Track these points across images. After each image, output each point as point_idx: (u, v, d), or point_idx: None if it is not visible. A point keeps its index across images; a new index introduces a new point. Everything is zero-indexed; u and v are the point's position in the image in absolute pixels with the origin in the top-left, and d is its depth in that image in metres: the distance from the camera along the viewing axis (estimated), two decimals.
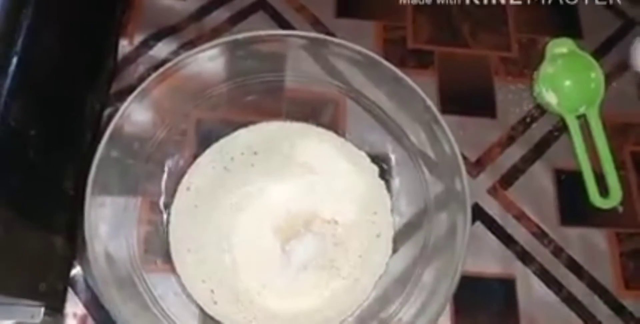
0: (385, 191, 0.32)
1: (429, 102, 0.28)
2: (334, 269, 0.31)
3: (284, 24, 0.39)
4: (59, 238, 0.33)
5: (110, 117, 0.34)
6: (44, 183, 0.32)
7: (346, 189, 0.32)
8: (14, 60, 0.28)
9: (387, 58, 0.30)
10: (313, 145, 0.33)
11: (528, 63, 0.38)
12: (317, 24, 0.39)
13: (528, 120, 0.37)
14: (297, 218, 0.31)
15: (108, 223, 0.28)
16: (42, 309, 0.33)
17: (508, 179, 0.35)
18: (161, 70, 0.29)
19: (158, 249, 0.30)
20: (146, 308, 0.28)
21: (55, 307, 0.32)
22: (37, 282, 0.31)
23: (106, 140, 0.28)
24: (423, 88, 0.37)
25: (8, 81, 0.27)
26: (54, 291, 0.32)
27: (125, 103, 0.28)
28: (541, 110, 0.37)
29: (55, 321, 0.32)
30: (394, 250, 0.31)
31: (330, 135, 0.33)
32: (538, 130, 0.36)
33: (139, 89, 0.29)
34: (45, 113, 0.31)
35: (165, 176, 0.32)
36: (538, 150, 0.36)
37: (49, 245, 0.32)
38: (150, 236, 0.30)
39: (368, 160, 0.33)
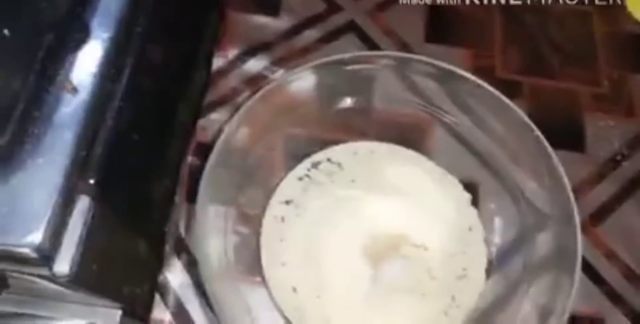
0: (477, 220, 0.32)
1: (538, 133, 0.28)
2: (423, 295, 0.30)
3: (372, 47, 0.39)
4: (143, 244, 0.33)
5: (203, 128, 0.35)
6: (137, 188, 0.32)
7: (437, 215, 0.32)
8: (128, 66, 0.29)
9: None
10: (402, 167, 0.33)
11: (618, 100, 0.38)
12: (405, 49, 0.39)
13: (619, 157, 0.36)
14: (387, 241, 0.31)
15: (209, 232, 0.28)
16: (120, 312, 0.33)
17: (598, 217, 0.34)
18: (263, 91, 0.30)
19: (249, 261, 0.30)
20: (242, 315, 0.28)
21: (132, 312, 0.33)
22: (122, 285, 0.31)
23: (215, 157, 0.28)
24: None
25: (123, 85, 0.28)
26: (135, 295, 0.32)
27: (232, 123, 0.29)
28: (632, 147, 0.37)
29: None
30: (487, 279, 0.30)
31: (419, 158, 0.33)
32: (629, 169, 0.36)
33: (243, 109, 0.29)
34: (145, 119, 0.31)
35: (258, 189, 0.32)
36: (629, 189, 0.35)
37: (134, 250, 0.32)
38: (241, 247, 0.30)
39: (460, 187, 0.32)
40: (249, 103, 0.28)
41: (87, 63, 0.26)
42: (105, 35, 0.27)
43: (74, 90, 0.25)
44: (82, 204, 0.25)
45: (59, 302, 0.34)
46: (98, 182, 0.26)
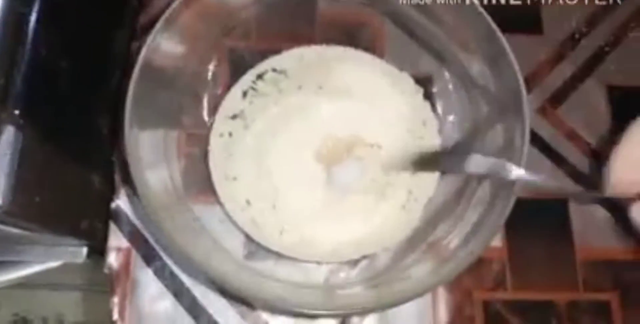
0: (431, 113, 0.31)
1: (487, 17, 0.26)
2: (380, 193, 0.30)
3: None
4: (96, 176, 0.32)
5: (140, 51, 0.33)
6: (78, 119, 0.31)
7: (390, 112, 0.31)
8: None
9: None
10: (352, 68, 0.31)
11: None
12: None
13: (577, 36, 0.35)
14: (340, 143, 0.30)
15: (147, 157, 0.27)
16: (85, 249, 0.33)
17: (558, 98, 0.33)
18: None
19: (199, 180, 0.29)
20: (196, 235, 0.28)
21: (96, 246, 0.33)
22: (79, 219, 0.31)
23: (137, 72, 0.26)
24: None
25: (36, 7, 0.26)
26: (94, 229, 0.32)
27: (152, 34, 0.27)
28: (590, 25, 0.35)
29: (95, 261, 0.33)
30: (443, 172, 0.30)
31: (369, 57, 0.32)
32: (589, 46, 0.34)
33: (162, 18, 0.27)
34: (74, 47, 0.30)
35: (200, 107, 0.31)
36: (589, 67, 0.34)
37: (87, 183, 0.32)
38: (190, 168, 0.30)
39: (412, 81, 0.31)
40: (169, 11, 0.26)
41: None
42: None
43: None
44: (8, 135, 0.24)
45: (24, 246, 0.33)
46: (24, 111, 0.25)
